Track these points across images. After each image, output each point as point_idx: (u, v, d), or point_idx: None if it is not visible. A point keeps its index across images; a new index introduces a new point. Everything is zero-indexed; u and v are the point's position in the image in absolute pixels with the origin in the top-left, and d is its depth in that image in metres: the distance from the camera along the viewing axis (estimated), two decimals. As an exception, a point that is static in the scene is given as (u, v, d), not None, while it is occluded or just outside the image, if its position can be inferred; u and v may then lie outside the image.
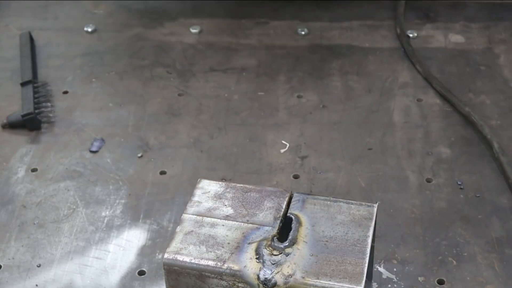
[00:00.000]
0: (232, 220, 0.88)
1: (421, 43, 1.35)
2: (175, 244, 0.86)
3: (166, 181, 1.12)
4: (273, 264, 0.83)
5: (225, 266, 0.83)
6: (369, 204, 0.89)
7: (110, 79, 1.30)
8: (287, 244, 0.85)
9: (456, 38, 1.36)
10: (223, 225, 0.87)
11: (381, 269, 0.98)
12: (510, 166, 1.09)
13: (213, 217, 0.88)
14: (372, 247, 0.89)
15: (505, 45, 1.34)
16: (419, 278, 0.97)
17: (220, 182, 0.93)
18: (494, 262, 0.99)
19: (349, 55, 1.34)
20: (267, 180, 1.11)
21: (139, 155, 1.16)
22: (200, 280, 0.84)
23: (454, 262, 0.99)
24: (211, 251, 0.84)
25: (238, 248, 0.85)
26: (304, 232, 0.86)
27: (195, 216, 0.89)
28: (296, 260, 0.83)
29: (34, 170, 1.14)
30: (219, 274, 0.83)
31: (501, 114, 1.21)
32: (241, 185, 0.92)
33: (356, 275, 0.82)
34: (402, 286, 0.96)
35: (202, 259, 0.84)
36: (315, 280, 0.81)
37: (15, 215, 1.07)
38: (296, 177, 1.12)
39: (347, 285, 0.81)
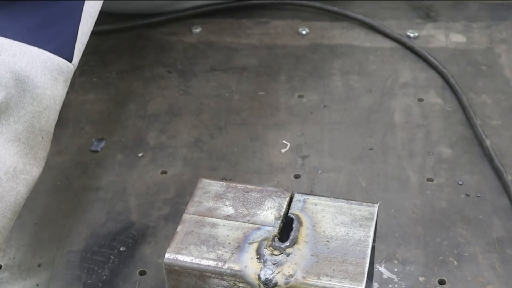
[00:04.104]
0: (233, 220, 0.88)
1: (422, 42, 1.35)
2: (175, 244, 0.85)
3: (166, 181, 1.12)
4: (274, 264, 0.83)
5: (226, 266, 0.83)
6: (370, 204, 0.89)
7: (110, 78, 1.30)
8: (288, 244, 0.85)
9: (457, 38, 1.36)
10: (224, 225, 0.87)
11: (382, 269, 0.98)
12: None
13: (214, 217, 0.88)
14: (373, 247, 0.89)
15: (506, 44, 1.34)
16: (420, 278, 0.97)
17: (220, 182, 0.93)
18: (495, 262, 0.99)
19: (350, 54, 1.34)
20: (268, 180, 1.11)
21: (140, 154, 1.16)
22: (200, 280, 0.84)
23: (455, 262, 0.99)
24: (211, 251, 0.84)
25: (239, 248, 0.85)
26: (305, 232, 0.86)
27: (196, 216, 0.89)
28: (297, 260, 0.83)
29: (34, 169, 1.14)
30: (220, 274, 0.83)
31: (502, 114, 1.21)
32: (242, 185, 0.92)
33: (357, 275, 0.82)
34: (403, 286, 0.96)
35: (203, 259, 0.84)
36: (316, 280, 0.81)
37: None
38: (297, 177, 1.12)
39: (348, 285, 0.81)
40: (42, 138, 0.87)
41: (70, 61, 0.88)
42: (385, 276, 0.97)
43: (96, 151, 1.17)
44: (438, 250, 1.00)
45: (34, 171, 0.86)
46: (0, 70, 0.82)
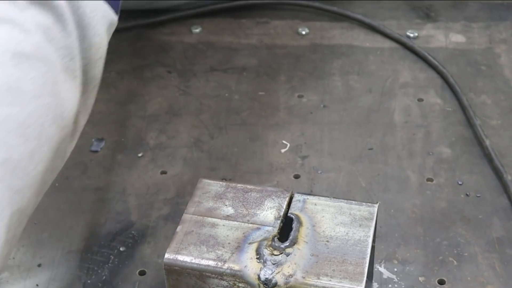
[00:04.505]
0: (232, 220, 0.88)
1: (422, 43, 1.35)
2: (175, 244, 0.85)
3: (166, 181, 1.12)
4: (273, 264, 0.83)
5: (226, 266, 0.83)
6: (369, 204, 0.89)
7: (110, 78, 1.30)
8: (287, 244, 0.85)
9: (457, 38, 1.36)
10: (223, 225, 0.87)
11: (381, 269, 0.98)
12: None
13: (213, 217, 0.88)
14: (373, 247, 0.89)
15: (506, 44, 1.34)
16: (420, 278, 0.97)
17: (220, 182, 0.93)
18: (494, 262, 0.99)
19: (349, 54, 1.34)
20: (268, 180, 1.11)
21: (140, 154, 1.16)
22: (200, 280, 0.84)
23: (455, 262, 0.99)
24: (211, 251, 0.84)
25: (238, 248, 0.85)
26: (304, 232, 0.86)
27: (196, 216, 0.89)
28: (296, 260, 0.83)
29: (34, 169, 1.13)
30: (219, 274, 0.83)
31: (502, 114, 1.21)
32: (242, 185, 0.92)
33: (357, 275, 0.82)
34: (403, 286, 0.96)
35: (202, 259, 0.84)
36: (316, 280, 0.81)
37: (16, 215, 1.07)
38: (296, 177, 1.12)
39: (347, 285, 0.81)
40: (94, 86, 0.87)
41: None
42: (385, 276, 0.97)
43: (96, 151, 1.17)
44: (438, 250, 1.00)
45: (80, 118, 0.87)
46: (67, 13, 0.82)
